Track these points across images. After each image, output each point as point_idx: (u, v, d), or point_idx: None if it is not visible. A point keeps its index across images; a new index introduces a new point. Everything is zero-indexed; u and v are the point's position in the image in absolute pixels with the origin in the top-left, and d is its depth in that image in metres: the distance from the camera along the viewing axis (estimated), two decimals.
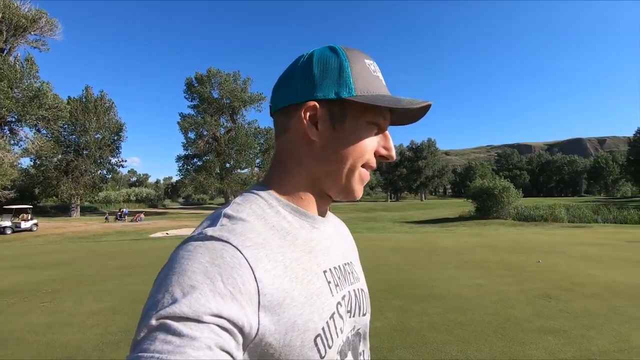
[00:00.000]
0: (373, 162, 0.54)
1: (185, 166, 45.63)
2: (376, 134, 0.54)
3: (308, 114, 0.51)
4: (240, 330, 0.38)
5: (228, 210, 0.48)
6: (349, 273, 0.56)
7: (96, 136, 38.65)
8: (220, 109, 44.61)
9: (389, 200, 79.94)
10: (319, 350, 0.44)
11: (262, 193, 0.52)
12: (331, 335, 0.46)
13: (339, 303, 0.50)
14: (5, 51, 28.12)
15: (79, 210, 39.27)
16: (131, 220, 30.17)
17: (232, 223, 0.45)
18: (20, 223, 21.72)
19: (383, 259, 7.79)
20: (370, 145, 0.53)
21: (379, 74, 0.55)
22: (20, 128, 29.16)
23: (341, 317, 0.49)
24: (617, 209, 23.70)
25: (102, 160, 40.30)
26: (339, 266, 0.54)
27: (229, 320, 0.37)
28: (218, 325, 0.36)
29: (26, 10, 27.94)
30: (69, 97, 37.43)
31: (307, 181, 0.54)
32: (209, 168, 44.03)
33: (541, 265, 6.78)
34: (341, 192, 0.54)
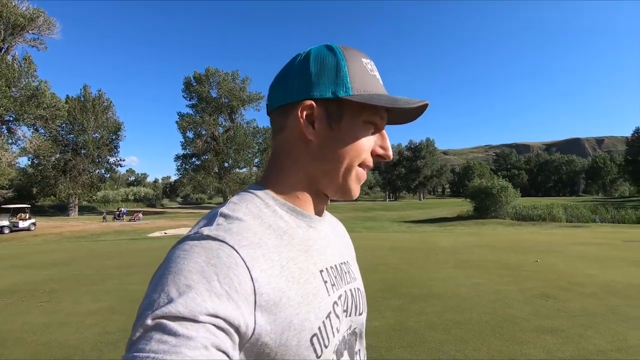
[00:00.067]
0: (370, 162, 0.54)
1: (184, 165, 45.52)
2: (373, 134, 0.54)
3: (305, 113, 0.50)
4: (237, 329, 0.38)
5: (224, 209, 0.48)
6: (345, 272, 0.56)
7: (94, 135, 38.59)
8: (218, 108, 44.50)
9: (388, 199, 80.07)
10: (315, 350, 0.44)
11: (258, 192, 0.52)
12: (327, 334, 0.46)
13: (335, 302, 0.50)
14: (3, 50, 27.97)
15: (77, 209, 39.14)
16: (129, 220, 30.16)
17: (228, 222, 0.45)
18: (18, 222, 21.75)
19: (381, 258, 7.80)
20: (367, 145, 0.53)
21: (376, 73, 0.54)
22: (18, 127, 29.02)
23: (337, 316, 0.49)
24: (615, 209, 23.84)
25: (100, 159, 40.24)
26: (335, 265, 0.54)
27: (225, 320, 0.37)
28: (214, 325, 0.36)
29: (24, 8, 27.78)
30: (67, 96, 37.40)
31: (304, 180, 0.54)
32: (207, 167, 43.95)
33: (539, 264, 6.81)
34: (338, 191, 0.54)
